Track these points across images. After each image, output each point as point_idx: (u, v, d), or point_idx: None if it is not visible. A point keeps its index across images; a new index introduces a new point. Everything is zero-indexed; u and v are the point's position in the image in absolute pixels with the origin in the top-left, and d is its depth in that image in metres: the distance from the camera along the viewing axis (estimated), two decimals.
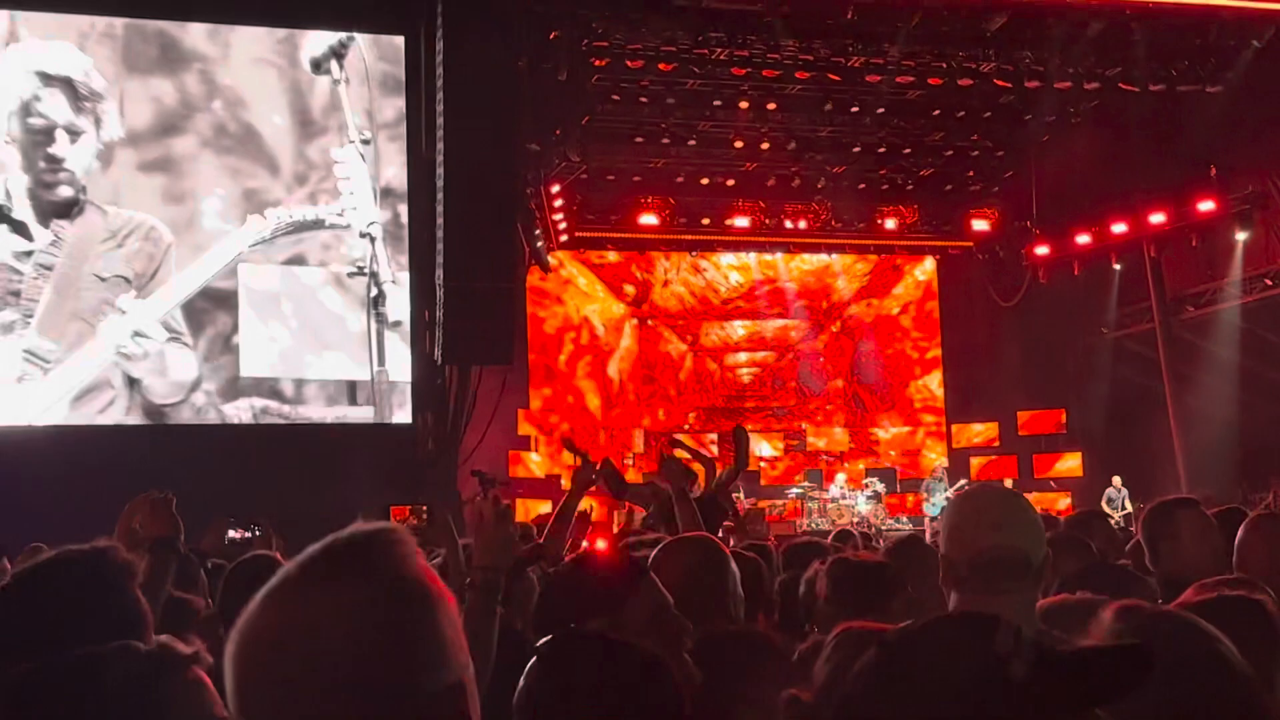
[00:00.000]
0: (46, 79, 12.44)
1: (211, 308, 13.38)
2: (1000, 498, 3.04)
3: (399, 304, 14.21)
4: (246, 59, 13.79)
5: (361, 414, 14.06)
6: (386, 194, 14.45)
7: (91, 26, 13.00)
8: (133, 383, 12.95)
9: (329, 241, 13.90)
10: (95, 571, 2.38)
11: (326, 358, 13.87)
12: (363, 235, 14.05)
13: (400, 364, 14.17)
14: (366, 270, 13.90)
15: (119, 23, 13.07)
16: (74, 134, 12.49)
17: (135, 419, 13.24)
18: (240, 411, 13.67)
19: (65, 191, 12.35)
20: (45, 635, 2.13)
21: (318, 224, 13.84)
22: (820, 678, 2.27)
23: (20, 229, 12.21)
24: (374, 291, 13.94)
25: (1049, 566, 2.77)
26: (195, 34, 13.48)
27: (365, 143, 14.28)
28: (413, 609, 1.37)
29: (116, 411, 12.95)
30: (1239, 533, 3.94)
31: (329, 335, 13.92)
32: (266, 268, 13.63)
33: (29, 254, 12.09)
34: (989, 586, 2.64)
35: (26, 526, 7.64)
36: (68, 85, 12.68)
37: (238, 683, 1.35)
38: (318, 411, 13.88)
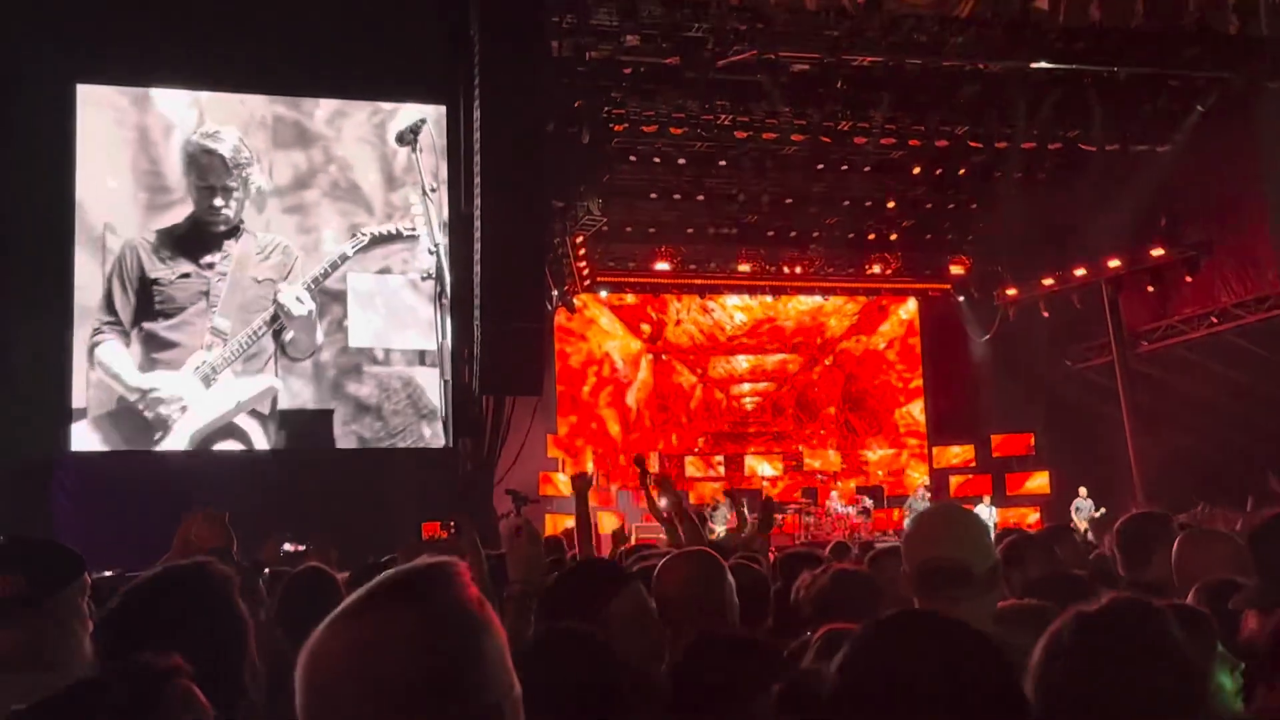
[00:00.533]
0: (211, 153, 14.64)
1: (329, 301, 15.19)
2: (944, 515, 3.05)
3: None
4: (353, 137, 15.45)
5: (429, 375, 15.23)
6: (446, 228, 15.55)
7: (250, 116, 15.05)
8: (281, 347, 14.88)
9: (406, 256, 15.56)
10: (200, 584, 2.39)
11: (405, 334, 15.49)
12: (430, 252, 15.35)
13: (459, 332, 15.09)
14: (433, 276, 15.31)
15: (270, 113, 15.07)
16: (229, 190, 14.73)
17: (279, 380, 14.84)
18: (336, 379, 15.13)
19: (229, 224, 14.65)
20: (159, 642, 2.13)
21: (396, 237, 15.61)
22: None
23: (206, 247, 14.54)
24: (438, 289, 15.22)
25: (998, 574, 2.73)
26: (319, 120, 15.30)
27: (433, 191, 15.39)
28: (464, 636, 1.39)
29: (268, 377, 14.79)
30: (1176, 545, 3.93)
31: (406, 319, 15.49)
32: (364, 275, 15.47)
33: (211, 264, 14.48)
34: (936, 593, 2.65)
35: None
36: (228, 157, 14.76)
37: (305, 698, 1.36)
38: (400, 371, 15.37)
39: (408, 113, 15.29)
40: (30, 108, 13.54)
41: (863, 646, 1.73)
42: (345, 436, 14.65)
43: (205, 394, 14.08)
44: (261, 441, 14.35)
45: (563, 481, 19.81)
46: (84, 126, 14.20)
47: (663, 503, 7.30)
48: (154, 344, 13.83)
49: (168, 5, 13.69)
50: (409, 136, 15.16)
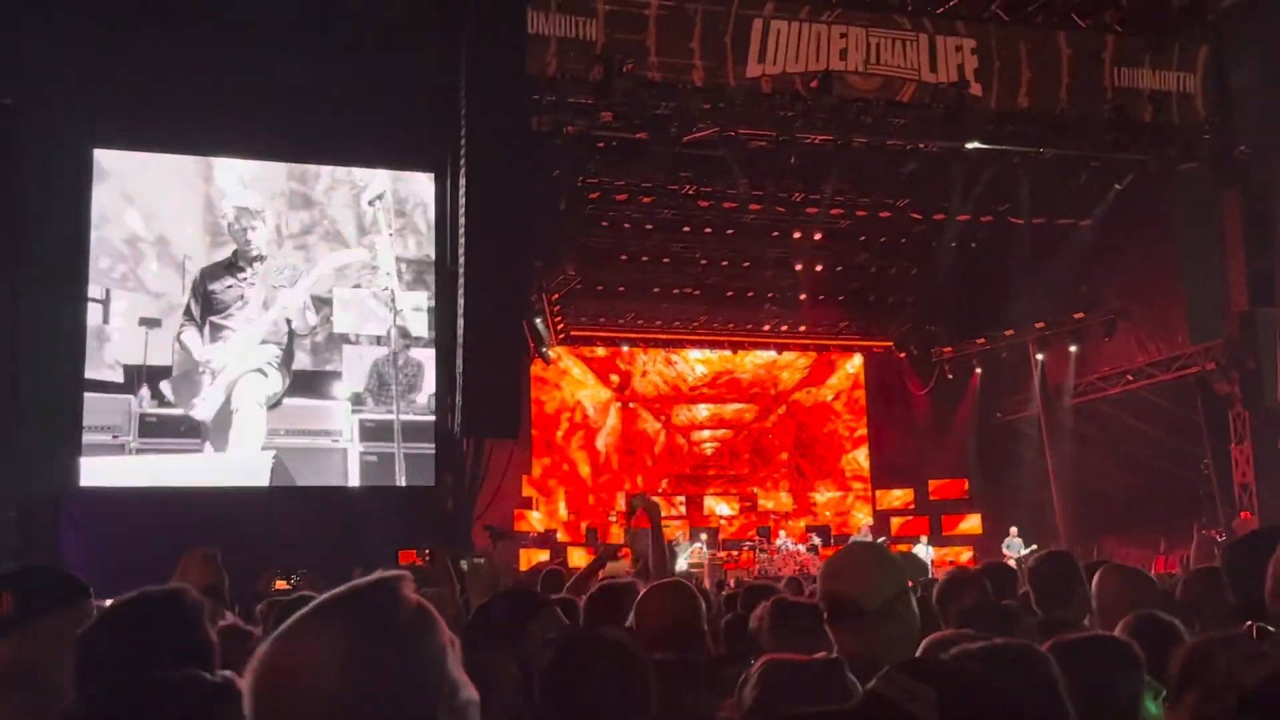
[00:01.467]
0: (252, 213, 14.95)
1: (320, 304, 15.09)
2: (845, 554, 3.02)
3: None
4: (340, 202, 15.27)
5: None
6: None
7: (275, 187, 15.22)
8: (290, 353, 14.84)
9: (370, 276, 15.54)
10: (173, 608, 2.34)
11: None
12: (386, 274, 15.34)
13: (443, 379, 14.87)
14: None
15: (287, 187, 15.26)
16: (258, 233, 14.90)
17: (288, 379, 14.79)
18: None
19: (258, 254, 14.76)
20: (131, 659, 2.09)
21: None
22: (748, 700, 2.25)
23: (243, 269, 14.67)
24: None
25: (896, 609, 2.63)
26: (319, 190, 15.29)
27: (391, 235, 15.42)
28: (393, 648, 1.34)
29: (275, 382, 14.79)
30: (1095, 578, 3.90)
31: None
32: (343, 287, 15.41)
33: (246, 278, 14.63)
34: (836, 624, 2.62)
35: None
36: (260, 212, 15.02)
37: (251, 706, 1.31)
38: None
39: (385, 179, 15.24)
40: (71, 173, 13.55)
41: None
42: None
43: (239, 357, 14.54)
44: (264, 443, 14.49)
45: (537, 519, 19.69)
46: (166, 186, 14.59)
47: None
48: (213, 329, 14.42)
49: (196, 84, 13.68)
50: (375, 202, 15.28)
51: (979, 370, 21.71)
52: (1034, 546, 17.06)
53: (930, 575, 11.34)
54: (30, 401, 13.10)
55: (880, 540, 18.43)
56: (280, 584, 7.77)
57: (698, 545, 18.34)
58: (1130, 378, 18.92)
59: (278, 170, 15.04)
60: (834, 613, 2.63)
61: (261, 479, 14.06)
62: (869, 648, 2.47)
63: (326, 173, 15.23)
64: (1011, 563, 15.66)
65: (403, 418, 14.59)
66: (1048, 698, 1.74)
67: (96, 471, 13.48)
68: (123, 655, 2.12)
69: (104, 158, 14.12)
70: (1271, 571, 1.83)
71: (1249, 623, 2.65)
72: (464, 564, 4.16)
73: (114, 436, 13.73)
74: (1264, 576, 2.91)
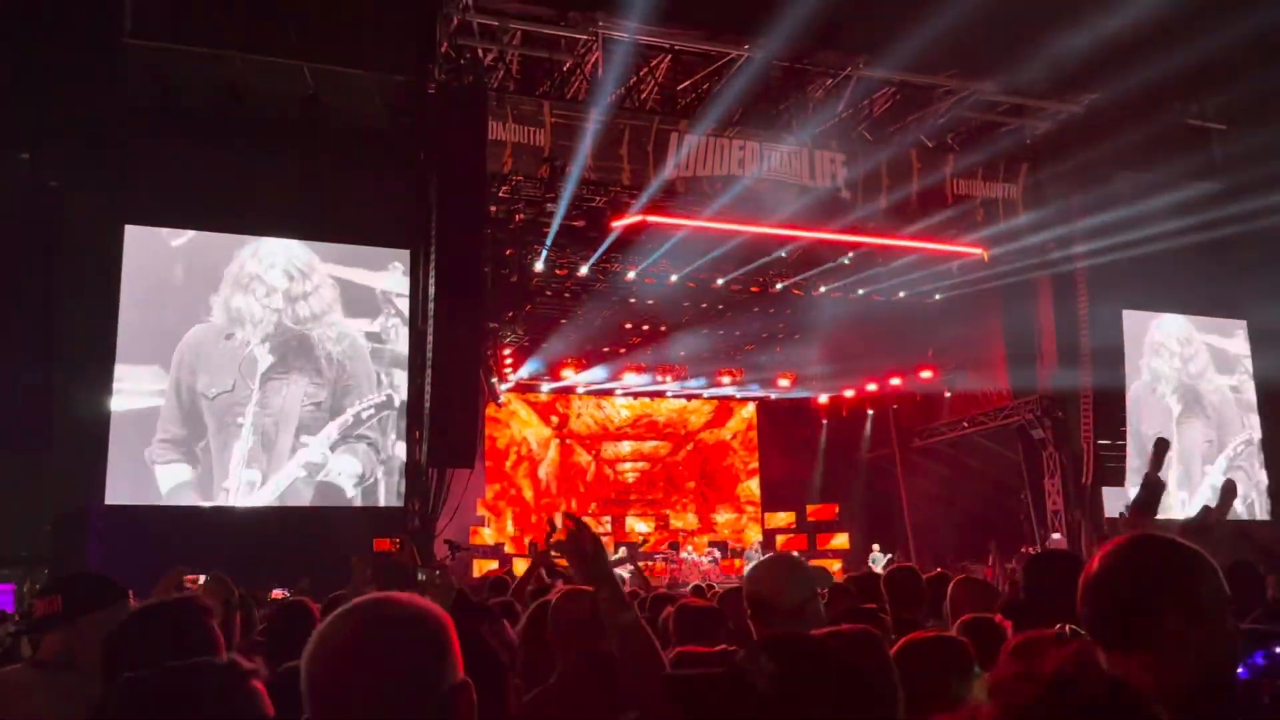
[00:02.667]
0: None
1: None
2: (765, 562, 3.04)
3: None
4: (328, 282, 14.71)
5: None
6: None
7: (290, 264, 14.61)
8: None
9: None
10: (185, 613, 2.33)
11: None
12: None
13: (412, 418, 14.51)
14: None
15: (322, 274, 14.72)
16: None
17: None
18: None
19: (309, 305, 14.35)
20: (150, 656, 2.06)
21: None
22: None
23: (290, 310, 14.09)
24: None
25: (807, 608, 2.66)
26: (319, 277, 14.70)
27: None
28: (437, 633, 1.40)
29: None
30: (950, 587, 3.97)
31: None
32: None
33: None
34: (759, 620, 2.64)
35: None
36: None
37: (311, 678, 1.34)
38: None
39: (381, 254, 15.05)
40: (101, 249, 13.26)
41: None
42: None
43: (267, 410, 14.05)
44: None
45: (488, 534, 19.46)
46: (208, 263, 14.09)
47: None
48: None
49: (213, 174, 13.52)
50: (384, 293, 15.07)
51: (847, 416, 21.95)
52: (891, 557, 17.25)
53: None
54: (62, 426, 12.74)
55: (797, 553, 18.41)
56: (276, 593, 7.59)
57: (621, 557, 18.22)
58: (966, 424, 19.24)
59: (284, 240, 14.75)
60: (755, 611, 2.65)
61: (274, 500, 13.80)
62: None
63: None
64: (878, 570, 15.79)
65: (382, 455, 14.43)
66: (877, 670, 1.73)
67: (120, 491, 13.11)
68: (143, 653, 2.09)
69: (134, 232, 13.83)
70: (1081, 597, 1.87)
71: (1059, 625, 2.72)
72: (420, 576, 4.00)
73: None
74: (1053, 584, 2.99)
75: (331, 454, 14.12)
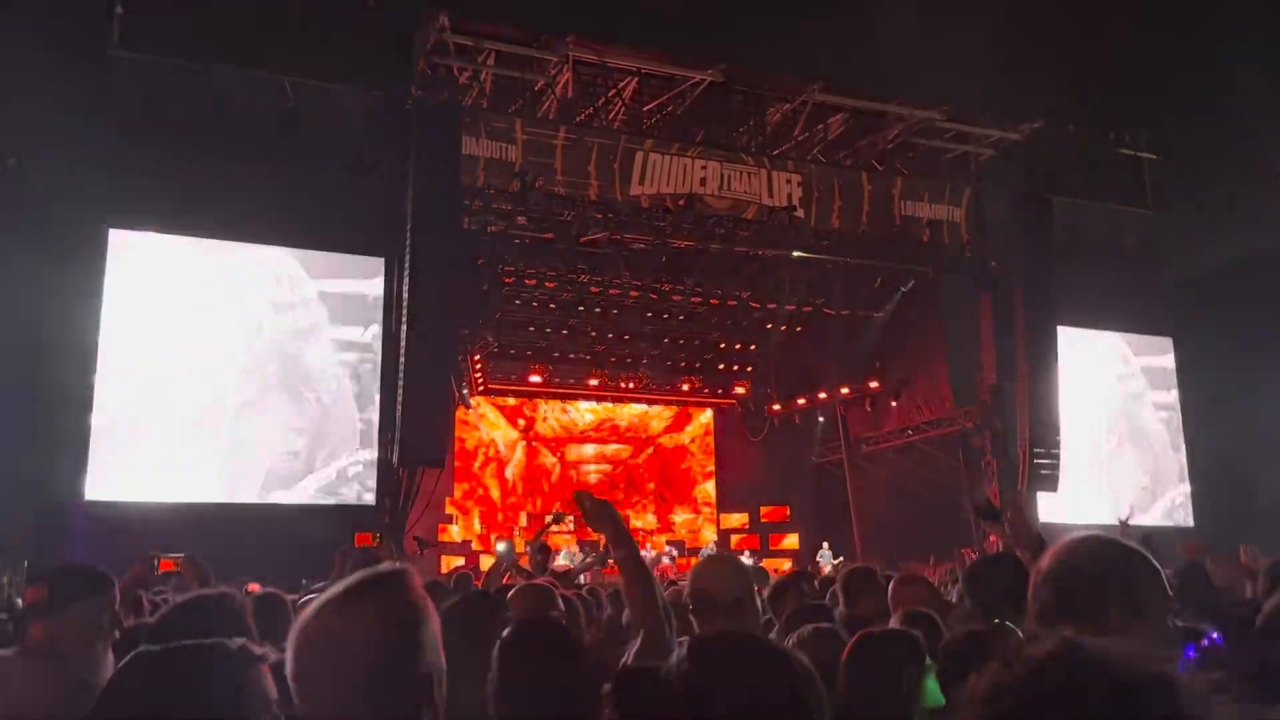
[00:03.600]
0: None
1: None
2: (707, 559, 3.08)
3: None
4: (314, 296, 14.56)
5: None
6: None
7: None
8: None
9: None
10: (222, 607, 2.33)
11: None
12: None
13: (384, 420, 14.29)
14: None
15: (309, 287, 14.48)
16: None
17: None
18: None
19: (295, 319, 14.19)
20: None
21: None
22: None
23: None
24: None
25: (744, 605, 2.69)
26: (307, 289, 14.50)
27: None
28: (409, 623, 1.40)
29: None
30: (890, 585, 4.03)
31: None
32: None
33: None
34: (699, 616, 2.67)
35: None
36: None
37: (296, 666, 1.36)
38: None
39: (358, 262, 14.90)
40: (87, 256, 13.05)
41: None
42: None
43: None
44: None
45: (456, 531, 19.36)
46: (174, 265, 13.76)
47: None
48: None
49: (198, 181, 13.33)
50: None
51: (799, 423, 22.07)
52: (841, 559, 17.34)
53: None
54: (42, 424, 12.53)
55: (745, 553, 18.43)
56: (252, 586, 7.52)
57: (587, 556, 18.14)
58: (910, 432, 19.42)
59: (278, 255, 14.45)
60: (697, 605, 2.68)
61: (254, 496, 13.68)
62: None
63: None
64: (828, 568, 15.88)
65: (357, 456, 14.32)
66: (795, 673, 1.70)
67: (99, 487, 12.91)
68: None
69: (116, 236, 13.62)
70: (1033, 595, 1.90)
71: (996, 620, 2.78)
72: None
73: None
74: (992, 587, 3.07)
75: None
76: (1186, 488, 19.50)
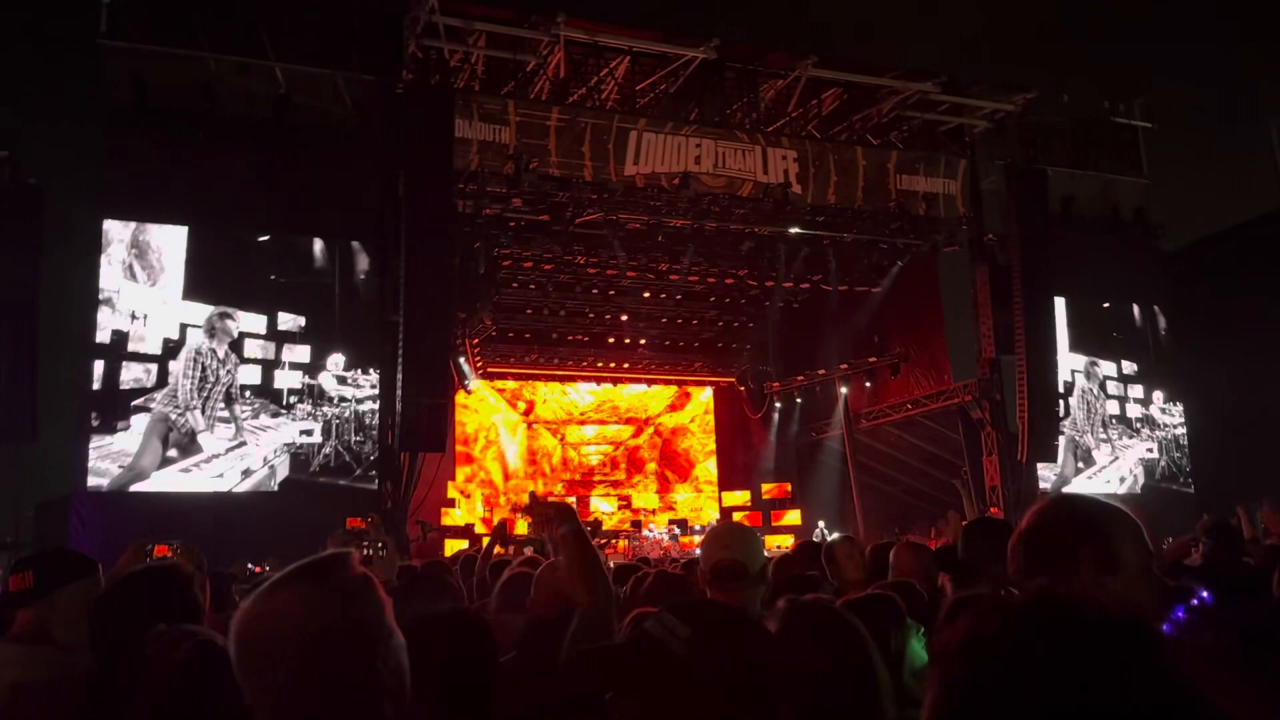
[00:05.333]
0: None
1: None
2: (728, 528, 3.07)
3: None
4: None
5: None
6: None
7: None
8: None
9: None
10: (170, 578, 2.31)
11: None
12: None
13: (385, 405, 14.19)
14: None
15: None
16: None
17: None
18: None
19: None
20: (136, 623, 2.04)
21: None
22: (623, 637, 2.29)
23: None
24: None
25: (765, 573, 2.73)
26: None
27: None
28: (349, 603, 1.36)
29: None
30: (892, 552, 4.04)
31: None
32: None
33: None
34: (723, 585, 2.66)
35: None
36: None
37: (236, 649, 1.33)
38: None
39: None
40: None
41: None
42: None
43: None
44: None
45: (457, 515, 19.40)
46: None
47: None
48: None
49: (190, 171, 13.24)
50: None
51: (799, 400, 22.07)
52: (837, 534, 17.33)
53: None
54: (45, 416, 12.51)
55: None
56: (256, 568, 7.54)
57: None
58: (909, 406, 19.43)
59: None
60: (726, 575, 2.65)
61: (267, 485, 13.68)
62: (739, 604, 2.54)
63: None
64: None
65: (355, 438, 14.30)
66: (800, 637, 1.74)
67: (100, 477, 12.89)
68: (129, 620, 2.08)
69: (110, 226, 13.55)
70: (1010, 554, 1.92)
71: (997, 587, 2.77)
72: (366, 551, 3.91)
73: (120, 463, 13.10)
74: (988, 546, 3.05)
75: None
76: (1184, 456, 19.51)
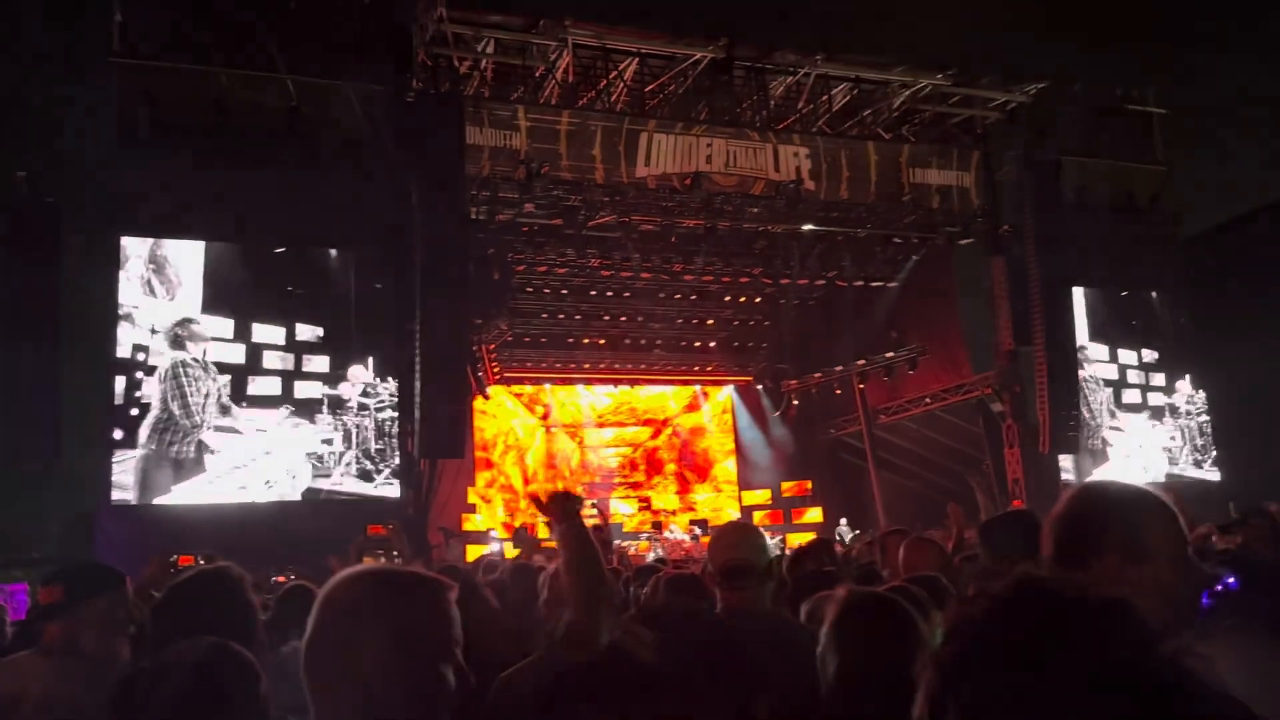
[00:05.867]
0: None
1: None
2: (733, 527, 3.07)
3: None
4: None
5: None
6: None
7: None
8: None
9: None
10: (222, 580, 2.34)
11: None
12: None
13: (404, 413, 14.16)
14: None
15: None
16: None
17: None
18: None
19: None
20: (198, 622, 2.06)
21: None
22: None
23: None
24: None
25: (772, 570, 2.71)
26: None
27: None
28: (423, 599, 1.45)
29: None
30: (901, 549, 4.05)
31: None
32: None
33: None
34: (732, 584, 2.66)
35: None
36: None
37: (318, 615, 1.43)
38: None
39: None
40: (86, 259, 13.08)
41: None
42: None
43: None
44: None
45: (479, 521, 19.46)
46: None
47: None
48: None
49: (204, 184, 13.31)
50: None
51: (817, 397, 22.01)
52: (857, 531, 17.31)
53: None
54: (69, 431, 12.63)
55: (770, 526, 18.41)
56: (279, 579, 7.58)
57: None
58: (928, 400, 19.34)
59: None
60: (734, 574, 2.65)
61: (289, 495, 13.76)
62: (750, 602, 2.54)
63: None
64: (847, 540, 15.85)
65: (375, 446, 14.34)
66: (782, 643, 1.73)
67: (124, 491, 12.98)
68: (190, 618, 2.11)
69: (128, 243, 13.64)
70: (1042, 543, 1.91)
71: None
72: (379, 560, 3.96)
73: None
74: (1009, 542, 3.05)
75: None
76: (1207, 444, 19.34)
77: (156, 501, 12.95)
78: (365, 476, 14.20)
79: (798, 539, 18.93)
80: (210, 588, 2.29)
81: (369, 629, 1.36)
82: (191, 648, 1.78)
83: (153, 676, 1.77)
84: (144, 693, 1.73)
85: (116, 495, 12.82)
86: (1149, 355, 19.31)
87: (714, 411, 24.08)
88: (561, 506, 2.43)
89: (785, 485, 22.23)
